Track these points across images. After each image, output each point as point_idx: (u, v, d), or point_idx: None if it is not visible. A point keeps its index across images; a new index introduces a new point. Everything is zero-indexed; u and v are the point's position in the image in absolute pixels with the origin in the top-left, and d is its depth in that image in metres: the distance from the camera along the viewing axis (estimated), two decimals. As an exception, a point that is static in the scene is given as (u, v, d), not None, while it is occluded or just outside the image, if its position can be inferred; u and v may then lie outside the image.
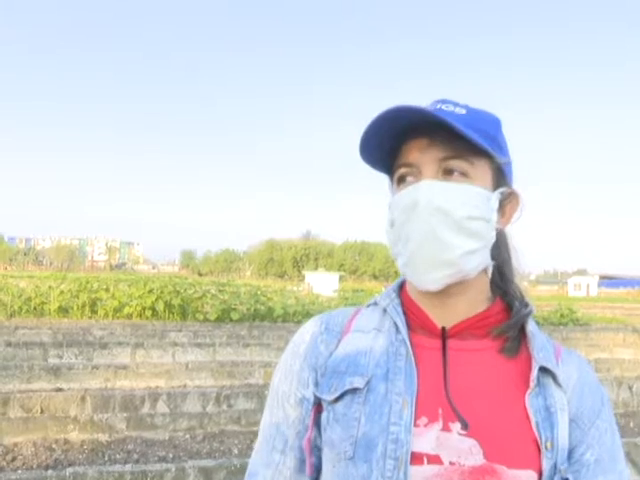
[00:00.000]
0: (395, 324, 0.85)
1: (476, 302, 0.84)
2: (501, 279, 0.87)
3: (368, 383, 0.80)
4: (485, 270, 0.84)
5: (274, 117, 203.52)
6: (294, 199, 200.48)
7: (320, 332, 0.89)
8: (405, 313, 0.86)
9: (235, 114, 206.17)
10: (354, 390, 0.80)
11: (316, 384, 0.85)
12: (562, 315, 15.58)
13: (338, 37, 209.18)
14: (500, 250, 0.86)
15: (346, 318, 0.90)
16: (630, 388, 7.31)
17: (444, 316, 0.83)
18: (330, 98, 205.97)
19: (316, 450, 0.85)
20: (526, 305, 0.86)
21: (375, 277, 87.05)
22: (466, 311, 0.83)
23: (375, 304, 0.90)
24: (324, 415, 0.83)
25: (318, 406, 0.85)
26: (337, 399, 0.81)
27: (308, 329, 0.91)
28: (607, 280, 73.36)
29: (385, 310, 0.88)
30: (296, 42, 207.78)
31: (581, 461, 0.79)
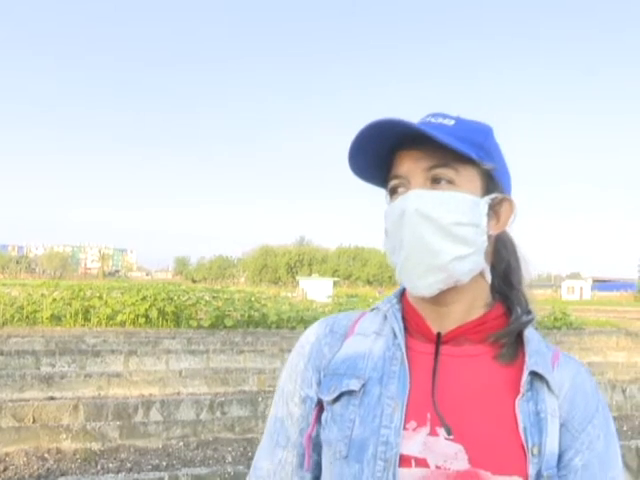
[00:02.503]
0: (393, 329, 0.87)
1: (473, 308, 0.85)
2: (505, 286, 0.89)
3: (364, 386, 0.82)
4: (482, 275, 0.85)
5: (267, 124, 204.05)
6: (288, 205, 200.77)
7: (325, 334, 0.92)
8: (404, 318, 0.88)
9: (229, 121, 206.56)
10: (350, 392, 0.83)
11: (319, 384, 0.88)
12: (556, 319, 15.61)
13: (334, 42, 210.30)
14: (504, 256, 0.89)
15: (350, 321, 0.93)
16: (623, 391, 7.33)
17: (441, 321, 0.85)
18: (325, 105, 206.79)
19: (318, 447, 0.88)
20: (528, 312, 0.87)
21: (369, 282, 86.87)
22: (462, 317, 0.85)
23: (378, 309, 0.93)
24: (324, 415, 0.86)
25: (321, 405, 0.88)
26: (335, 400, 0.84)
27: (314, 331, 0.94)
28: (600, 283, 73.70)
29: (385, 315, 0.90)
30: (292, 49, 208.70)
31: (569, 466, 0.79)
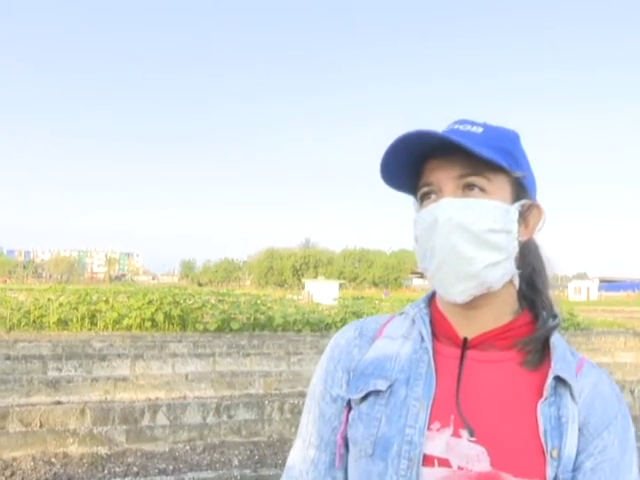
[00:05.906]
0: (420, 333, 0.89)
1: (501, 314, 0.87)
2: (531, 290, 0.89)
3: (390, 387, 0.85)
4: (512, 281, 0.87)
5: (272, 126, 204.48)
6: (293, 208, 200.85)
7: (354, 337, 0.94)
8: (432, 323, 0.90)
9: (234, 123, 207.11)
10: (377, 392, 0.85)
11: (348, 384, 0.91)
12: (563, 319, 15.51)
13: (339, 42, 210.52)
14: (530, 260, 0.89)
15: (379, 324, 0.95)
16: (632, 392, 7.27)
17: (469, 327, 0.86)
18: (330, 107, 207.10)
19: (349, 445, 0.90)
20: (554, 317, 0.88)
21: (375, 284, 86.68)
22: (491, 322, 0.86)
23: (406, 313, 0.95)
24: (351, 413, 0.88)
25: (350, 405, 0.90)
26: (362, 399, 0.86)
27: (344, 334, 0.97)
28: (607, 283, 73.29)
29: (413, 319, 0.92)
30: (298, 49, 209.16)
31: (580, 468, 0.79)
